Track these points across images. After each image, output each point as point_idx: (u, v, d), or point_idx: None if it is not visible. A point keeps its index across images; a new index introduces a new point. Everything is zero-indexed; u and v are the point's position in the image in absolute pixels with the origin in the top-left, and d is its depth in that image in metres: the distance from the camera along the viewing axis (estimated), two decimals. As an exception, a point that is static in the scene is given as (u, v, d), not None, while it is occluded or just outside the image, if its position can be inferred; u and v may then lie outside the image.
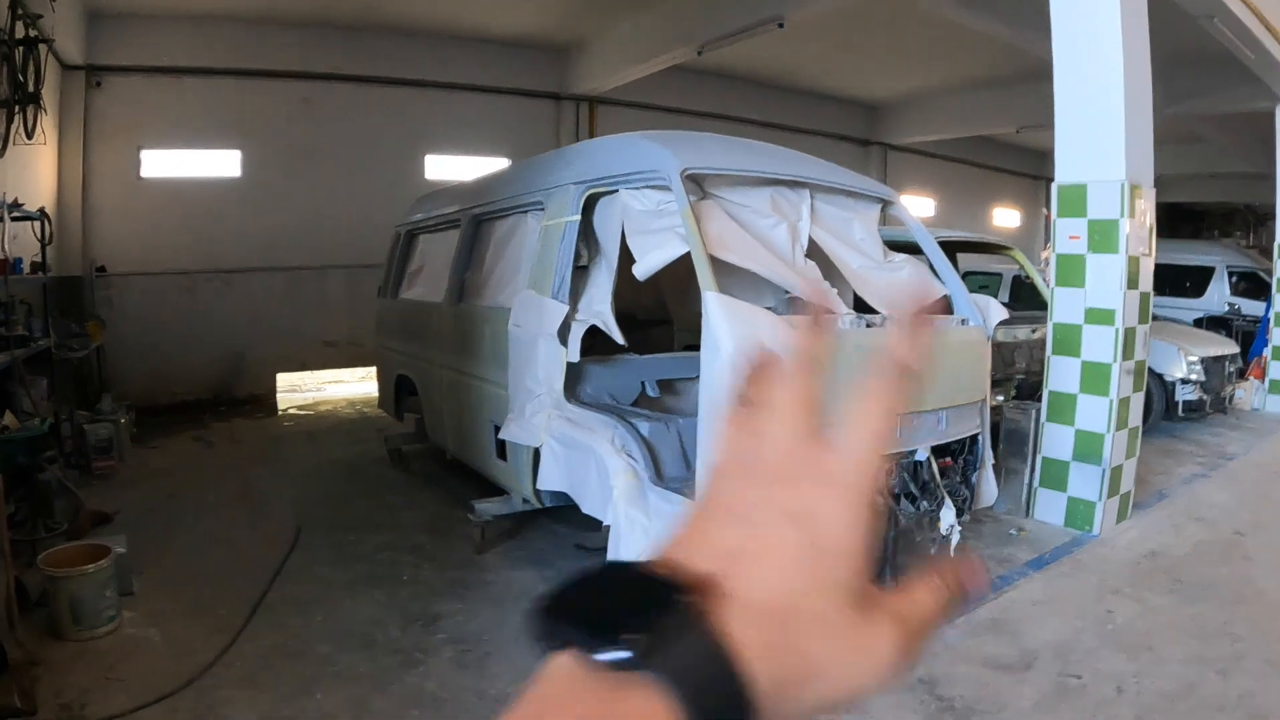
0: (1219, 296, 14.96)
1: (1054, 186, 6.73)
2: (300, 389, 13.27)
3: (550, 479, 4.99)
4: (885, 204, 5.61)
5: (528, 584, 5.48)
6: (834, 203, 5.28)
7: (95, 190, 10.87)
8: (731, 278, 4.86)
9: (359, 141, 12.70)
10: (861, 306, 4.92)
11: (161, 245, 11.34)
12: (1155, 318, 7.08)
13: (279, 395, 12.38)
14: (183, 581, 5.40)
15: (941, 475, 4.72)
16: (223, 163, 11.90)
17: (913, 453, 4.59)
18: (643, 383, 5.99)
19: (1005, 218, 24.54)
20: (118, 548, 4.93)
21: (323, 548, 6.09)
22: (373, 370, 10.04)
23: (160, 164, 11.43)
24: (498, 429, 5.60)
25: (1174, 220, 24.08)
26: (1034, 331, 8.27)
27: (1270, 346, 12.05)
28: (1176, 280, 14.90)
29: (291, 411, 11.79)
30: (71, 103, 10.54)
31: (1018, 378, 8.24)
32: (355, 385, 13.41)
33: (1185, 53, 11.51)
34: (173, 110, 11.34)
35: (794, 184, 5.02)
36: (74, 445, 7.88)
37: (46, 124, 9.23)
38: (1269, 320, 12.17)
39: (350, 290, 12.46)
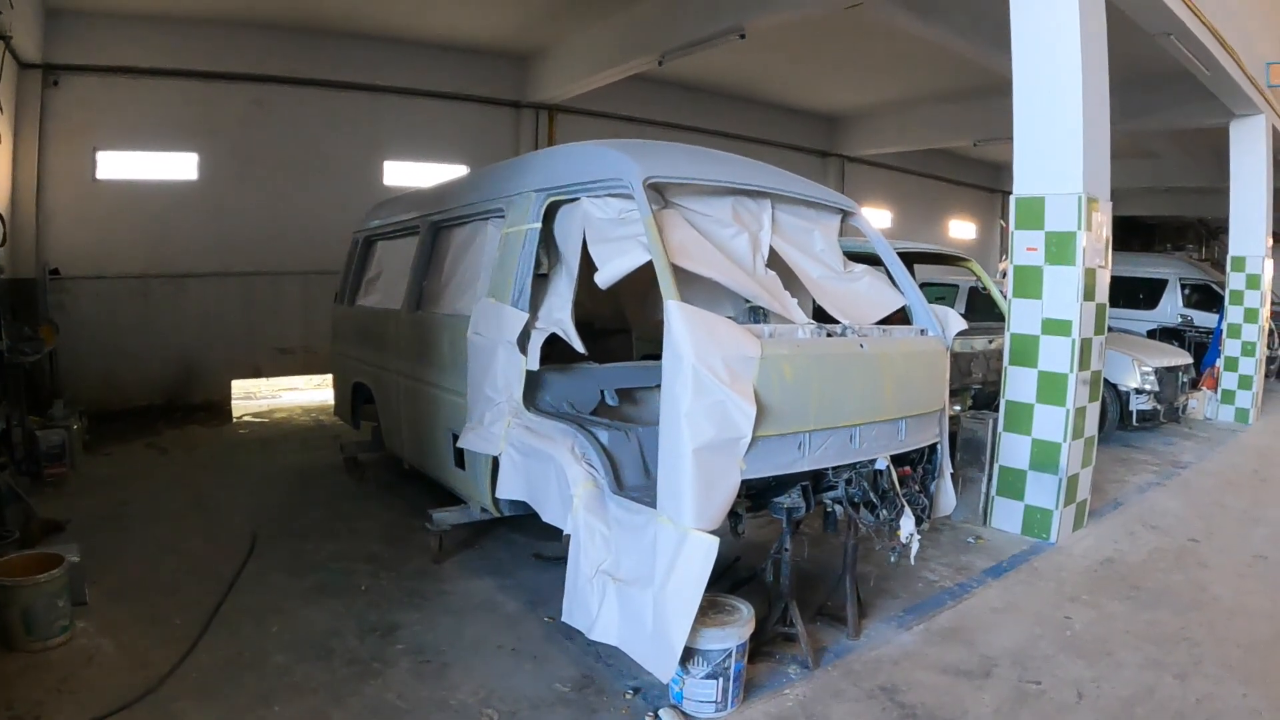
0: (1172, 308, 15.24)
1: (1012, 199, 6.79)
2: (255, 396, 13.14)
3: (509, 488, 4.95)
4: (845, 214, 5.62)
5: (486, 594, 5.43)
6: (795, 213, 5.27)
7: (50, 191, 10.70)
8: (693, 287, 4.84)
9: (317, 146, 12.65)
10: (822, 316, 4.92)
11: (116, 249, 11.22)
12: (1109, 329, 7.16)
13: (234, 402, 12.24)
14: (137, 591, 5.30)
15: (900, 484, 4.73)
16: (179, 166, 11.77)
17: (872, 461, 4.59)
18: (602, 391, 5.96)
19: (961, 230, 24.83)
20: (70, 556, 4.85)
21: (279, 557, 6.01)
22: (328, 377, 9.95)
23: (116, 166, 11.28)
24: (456, 437, 5.55)
25: (1125, 233, 24.46)
26: (990, 342, 8.33)
27: (1222, 357, 12.27)
28: (1130, 292, 15.17)
29: (246, 419, 11.62)
30: (27, 101, 10.35)
31: (974, 388, 8.29)
32: (311, 393, 13.34)
33: (1141, 70, 11.72)
34: (129, 111, 11.20)
35: (755, 194, 5.01)
36: (25, 451, 7.71)
37: (1, 123, 9.07)
38: (1221, 331, 12.40)
39: (306, 297, 12.40)
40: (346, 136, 12.96)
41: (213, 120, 11.82)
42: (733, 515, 4.29)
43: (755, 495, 4.41)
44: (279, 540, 6.35)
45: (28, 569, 4.59)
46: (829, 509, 4.71)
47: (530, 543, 6.32)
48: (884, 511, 4.57)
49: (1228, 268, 12.32)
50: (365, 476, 8.22)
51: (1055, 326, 6.57)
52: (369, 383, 7.63)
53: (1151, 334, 14.45)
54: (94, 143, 11.07)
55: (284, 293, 12.55)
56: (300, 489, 7.89)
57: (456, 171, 10.72)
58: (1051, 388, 6.61)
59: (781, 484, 4.35)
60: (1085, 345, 6.55)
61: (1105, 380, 8.22)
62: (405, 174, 13.39)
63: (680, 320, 3.80)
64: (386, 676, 4.31)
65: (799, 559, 4.63)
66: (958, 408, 7.53)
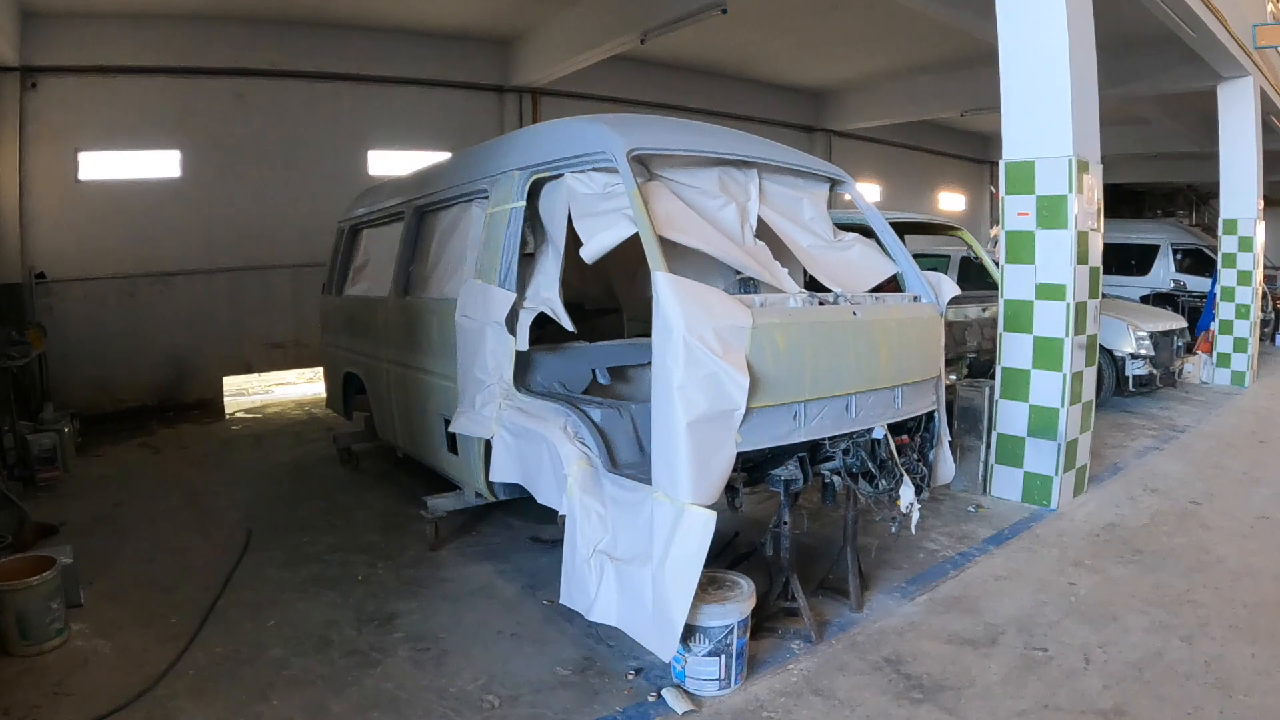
0: (1164, 273, 15.27)
1: (1001, 164, 6.72)
2: (248, 392, 13.08)
3: (503, 471, 4.89)
4: (834, 183, 5.56)
5: (484, 579, 5.39)
6: (782, 182, 5.22)
7: (32, 195, 10.55)
8: (681, 260, 4.79)
9: (299, 138, 12.52)
10: (813, 286, 4.87)
11: (102, 249, 11.08)
12: (1103, 295, 7.11)
13: (226, 399, 12.14)
14: (132, 591, 5.25)
15: (899, 453, 4.68)
16: (162, 163, 11.60)
17: (869, 431, 4.54)
18: (593, 370, 5.91)
19: (950, 201, 24.80)
20: (64, 559, 4.80)
21: (274, 550, 5.96)
22: (319, 371, 9.89)
23: (99, 166, 11.11)
24: (448, 423, 5.50)
25: (1115, 201, 24.45)
26: (984, 310, 8.29)
27: (1217, 321, 12.25)
28: (1122, 258, 15.19)
29: (239, 415, 11.57)
30: (6, 105, 10.22)
31: (969, 356, 8.25)
32: (303, 386, 13.27)
33: (1126, 34, 11.64)
34: (110, 111, 11.05)
35: (742, 164, 4.95)
36: (17, 456, 7.66)
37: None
38: (1215, 295, 12.38)
39: (294, 290, 12.30)
40: (329, 127, 12.84)
41: (194, 116, 11.68)
42: (730, 490, 4.25)
43: (752, 468, 4.37)
44: (274, 534, 6.30)
45: (20, 573, 4.53)
46: (827, 480, 4.66)
47: (527, 526, 6.28)
48: (883, 481, 4.52)
49: (1220, 231, 12.30)
50: (359, 467, 8.18)
51: (1049, 291, 6.52)
52: (360, 372, 7.56)
53: (1145, 299, 14.43)
54: (75, 144, 10.91)
55: (272, 287, 12.43)
56: (295, 482, 7.84)
57: (442, 158, 10.63)
58: (1047, 353, 6.56)
59: (778, 456, 4.30)
60: (1080, 309, 6.50)
61: (1100, 346, 8.18)
62: (390, 163, 13.23)
63: (669, 291, 3.74)
64: (385, 666, 4.26)
65: (798, 532, 4.58)
66: (953, 377, 7.50)
